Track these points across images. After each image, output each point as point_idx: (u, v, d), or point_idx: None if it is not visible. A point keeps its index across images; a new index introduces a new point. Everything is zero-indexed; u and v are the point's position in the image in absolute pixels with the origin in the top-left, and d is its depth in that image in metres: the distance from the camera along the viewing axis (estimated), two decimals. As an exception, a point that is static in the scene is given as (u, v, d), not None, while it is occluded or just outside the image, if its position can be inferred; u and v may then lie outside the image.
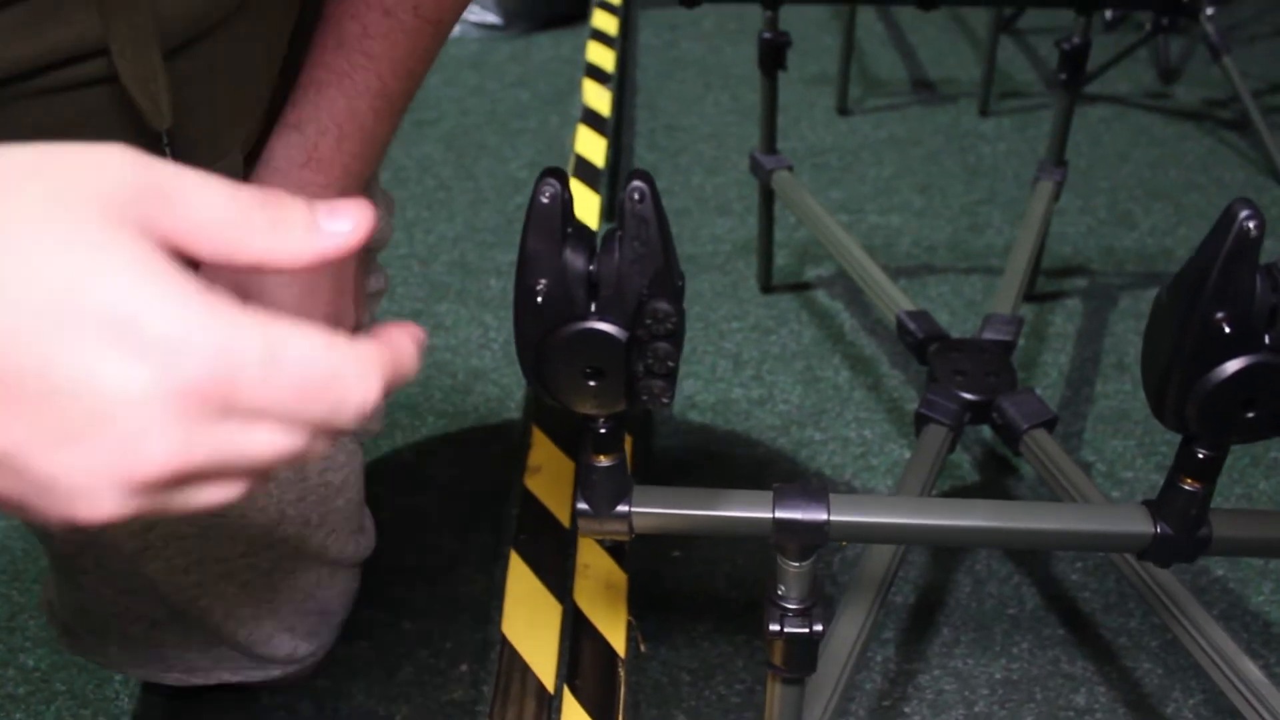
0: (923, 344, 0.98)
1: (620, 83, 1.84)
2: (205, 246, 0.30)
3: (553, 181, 0.41)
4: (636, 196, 0.40)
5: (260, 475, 0.31)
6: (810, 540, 0.50)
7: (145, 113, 0.51)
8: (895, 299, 1.04)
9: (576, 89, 1.80)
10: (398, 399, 1.17)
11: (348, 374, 0.30)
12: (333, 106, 0.63)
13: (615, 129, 1.69)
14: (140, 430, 0.27)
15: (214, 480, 0.30)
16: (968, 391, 0.90)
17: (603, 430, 0.48)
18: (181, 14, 0.53)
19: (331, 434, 0.31)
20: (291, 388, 0.29)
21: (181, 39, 0.54)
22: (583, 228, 0.42)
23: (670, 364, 0.43)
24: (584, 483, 0.50)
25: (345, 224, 0.32)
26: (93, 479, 0.28)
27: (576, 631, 0.90)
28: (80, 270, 0.27)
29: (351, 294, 0.66)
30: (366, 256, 0.77)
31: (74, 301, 0.27)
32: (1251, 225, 0.40)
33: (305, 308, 0.64)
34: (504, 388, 1.19)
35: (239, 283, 0.61)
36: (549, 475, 1.05)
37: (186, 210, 0.29)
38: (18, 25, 0.48)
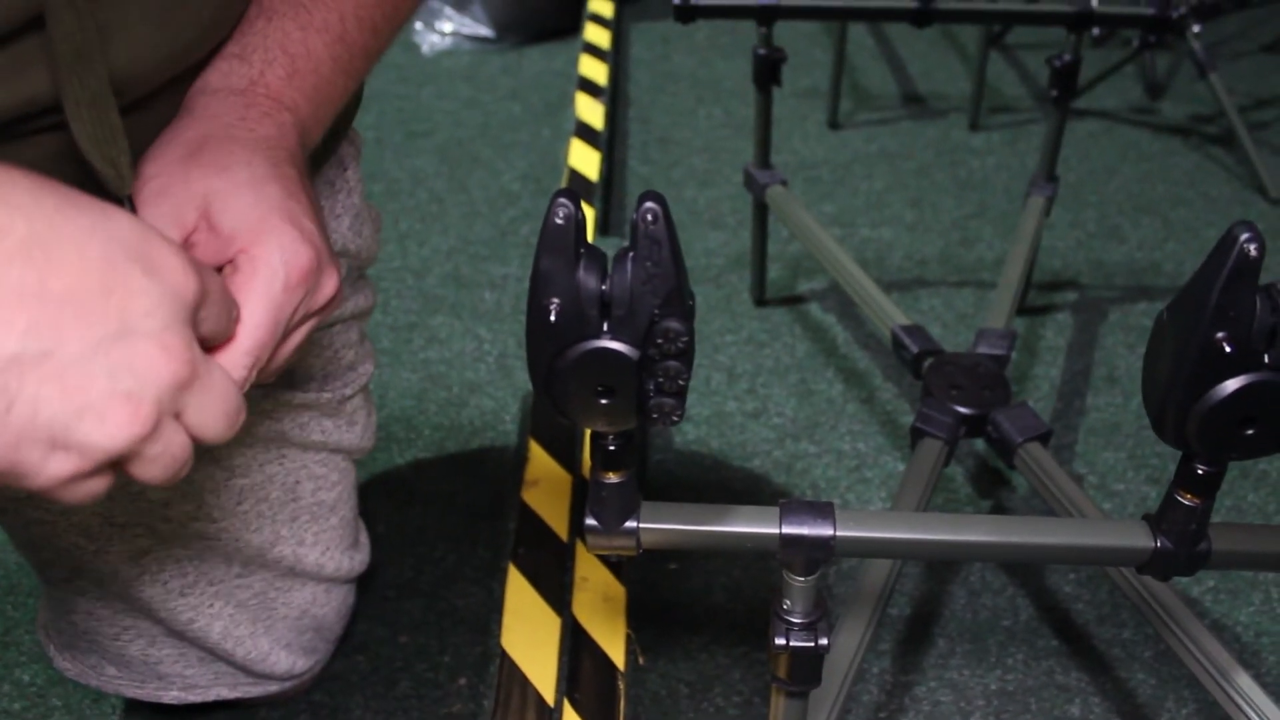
0: (918, 358, 0.99)
1: (613, 96, 1.85)
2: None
3: (566, 202, 0.41)
4: (650, 217, 0.41)
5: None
6: (817, 555, 0.50)
7: (106, 179, 0.48)
8: (889, 313, 1.05)
9: (569, 102, 1.81)
10: (392, 412, 1.18)
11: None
12: (285, 38, 0.55)
13: (608, 142, 1.70)
14: (166, 325, 0.40)
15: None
16: (963, 405, 0.91)
17: (612, 447, 0.48)
18: (138, 70, 0.51)
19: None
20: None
21: (139, 94, 0.53)
22: (595, 248, 0.43)
23: (681, 382, 0.44)
24: (593, 499, 0.50)
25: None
26: (141, 370, 0.39)
27: (575, 644, 0.90)
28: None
29: (307, 201, 0.54)
30: (354, 273, 0.77)
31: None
32: (1252, 248, 0.41)
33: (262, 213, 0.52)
34: (499, 400, 1.20)
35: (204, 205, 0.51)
36: (546, 489, 1.05)
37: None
38: None
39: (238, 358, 0.46)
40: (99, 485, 0.41)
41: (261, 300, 0.47)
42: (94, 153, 0.47)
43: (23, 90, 0.48)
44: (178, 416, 0.41)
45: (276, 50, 0.55)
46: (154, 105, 0.54)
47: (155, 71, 0.53)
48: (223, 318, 0.44)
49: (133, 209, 0.49)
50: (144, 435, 0.40)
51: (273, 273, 0.48)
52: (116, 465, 0.41)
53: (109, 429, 0.39)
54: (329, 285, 0.51)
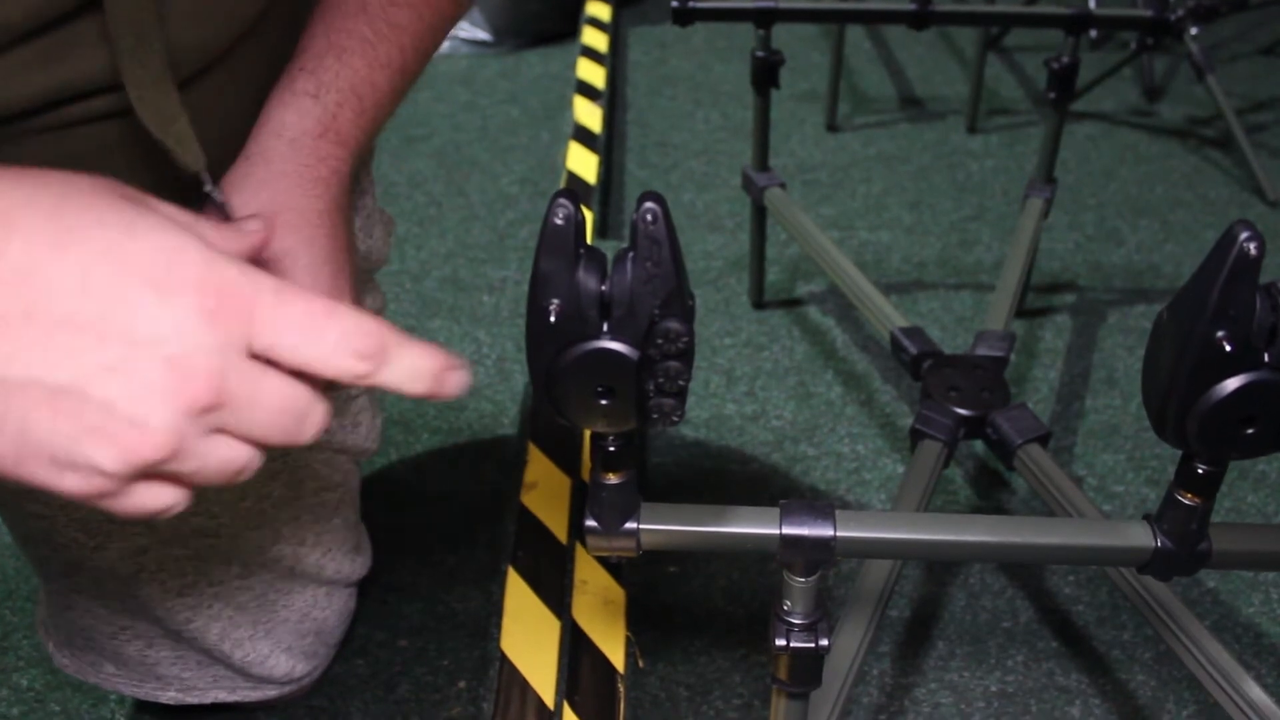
0: (917, 360, 0.99)
1: (611, 99, 1.85)
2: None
3: (566, 203, 0.41)
4: (649, 218, 0.41)
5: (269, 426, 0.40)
6: (817, 556, 0.50)
7: (175, 156, 0.48)
8: (888, 315, 1.05)
9: (567, 106, 1.81)
10: (391, 415, 1.18)
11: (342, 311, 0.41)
12: (354, 76, 0.58)
13: (606, 146, 1.70)
14: (183, 350, 0.38)
15: (243, 414, 0.39)
16: (962, 407, 0.91)
17: (612, 448, 0.48)
18: (192, 44, 0.53)
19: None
20: (297, 327, 0.40)
21: (193, 70, 0.54)
22: (595, 249, 0.43)
23: (681, 383, 0.44)
24: (593, 500, 0.50)
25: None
26: (146, 396, 0.37)
27: (575, 647, 0.90)
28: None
29: (348, 280, 0.60)
30: (363, 275, 0.77)
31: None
32: (1252, 246, 0.41)
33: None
34: (498, 404, 1.19)
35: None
36: (545, 491, 1.05)
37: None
38: (24, 63, 0.47)
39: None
40: (151, 495, 0.40)
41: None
42: (159, 129, 0.48)
43: (79, 69, 0.48)
44: (221, 430, 0.40)
45: (347, 90, 0.58)
46: (201, 84, 0.55)
47: (205, 49, 0.54)
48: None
49: (213, 184, 0.50)
50: (160, 459, 0.38)
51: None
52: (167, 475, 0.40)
53: (113, 453, 0.38)
54: None
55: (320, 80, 0.57)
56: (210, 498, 0.70)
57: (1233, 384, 0.43)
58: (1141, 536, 0.52)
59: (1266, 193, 1.57)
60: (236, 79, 0.57)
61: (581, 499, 1.05)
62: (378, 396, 0.85)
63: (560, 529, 1.01)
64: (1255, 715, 0.69)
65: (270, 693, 0.82)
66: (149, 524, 0.69)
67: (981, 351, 0.99)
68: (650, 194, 0.41)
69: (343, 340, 0.40)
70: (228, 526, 0.72)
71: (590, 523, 0.51)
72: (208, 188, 0.51)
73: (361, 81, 0.58)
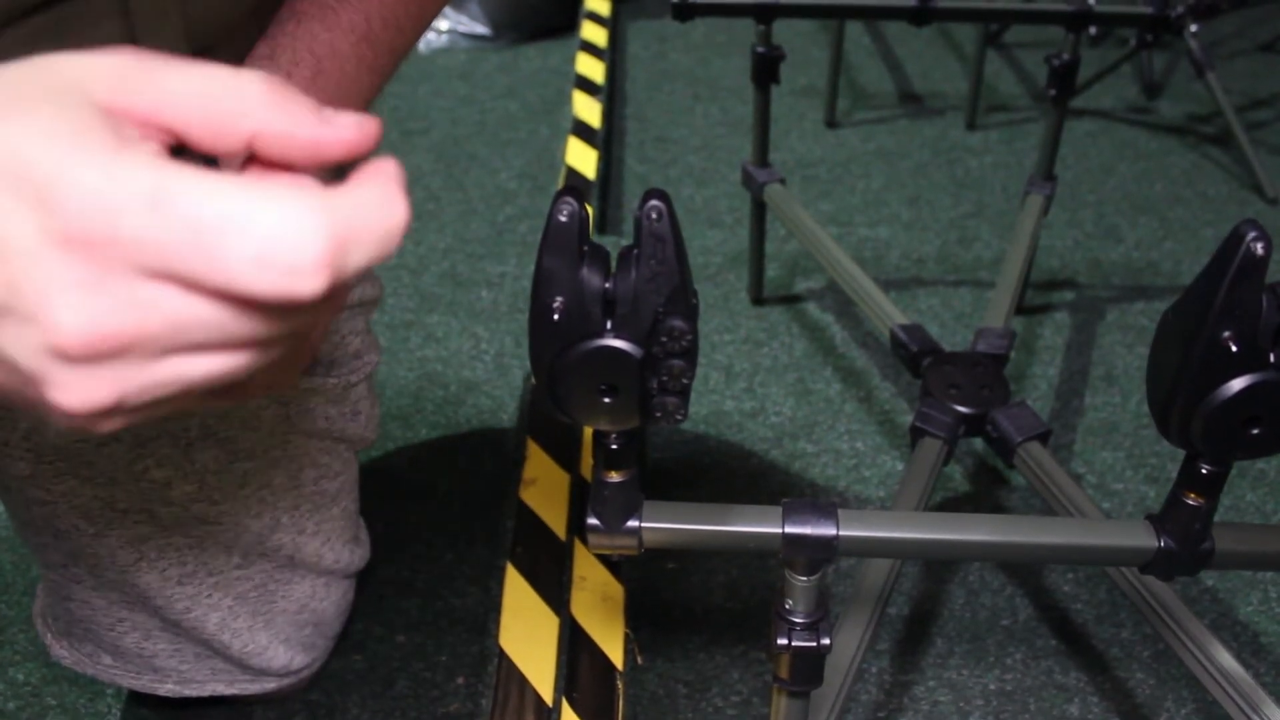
0: (917, 357, 0.98)
1: (610, 94, 1.85)
2: (194, 124, 0.30)
3: (570, 200, 0.41)
4: (654, 215, 0.40)
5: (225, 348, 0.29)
6: (820, 555, 0.50)
7: None
8: (888, 312, 1.05)
9: (566, 100, 1.80)
10: (390, 410, 1.17)
11: (261, 213, 0.27)
12: (312, 40, 0.57)
13: (605, 141, 1.70)
14: (42, 289, 0.27)
15: (173, 353, 0.28)
16: (962, 405, 0.91)
17: (615, 446, 0.48)
18: (207, 16, 0.53)
19: (269, 307, 0.28)
20: (183, 230, 0.26)
21: (205, 44, 0.54)
22: (598, 246, 0.43)
23: (684, 381, 0.44)
24: (595, 498, 0.50)
25: (349, 123, 0.33)
26: (34, 356, 0.28)
27: (574, 644, 0.90)
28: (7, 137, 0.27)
29: None
30: None
31: None
32: (1258, 246, 0.40)
33: None
34: (496, 399, 1.19)
35: None
36: (544, 488, 1.05)
37: (169, 87, 0.30)
38: (39, 33, 0.47)
39: None
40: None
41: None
42: None
43: (94, 40, 0.48)
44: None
45: (303, 52, 0.57)
46: (214, 56, 0.55)
47: (219, 22, 0.54)
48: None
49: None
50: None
51: None
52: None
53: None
54: None
55: (276, 44, 0.57)
56: (212, 484, 0.70)
57: (1238, 384, 0.43)
58: (1145, 536, 0.52)
59: (1265, 190, 1.57)
60: (243, 55, 0.57)
61: (580, 495, 1.04)
62: (375, 387, 0.85)
63: (559, 525, 1.01)
64: (1254, 713, 0.69)
65: (269, 685, 0.82)
66: (151, 512, 0.69)
67: (981, 348, 0.99)
68: (655, 191, 0.41)
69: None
70: (228, 514, 0.72)
71: (592, 521, 0.51)
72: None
73: (320, 44, 0.57)
